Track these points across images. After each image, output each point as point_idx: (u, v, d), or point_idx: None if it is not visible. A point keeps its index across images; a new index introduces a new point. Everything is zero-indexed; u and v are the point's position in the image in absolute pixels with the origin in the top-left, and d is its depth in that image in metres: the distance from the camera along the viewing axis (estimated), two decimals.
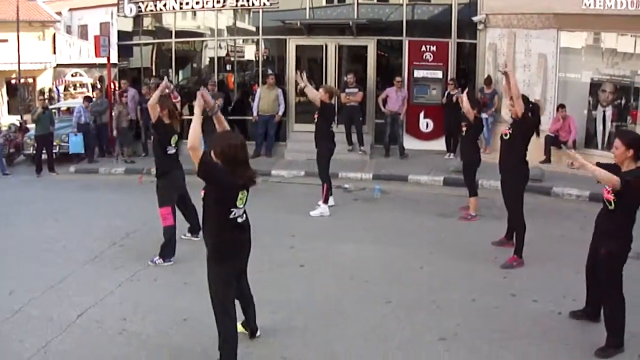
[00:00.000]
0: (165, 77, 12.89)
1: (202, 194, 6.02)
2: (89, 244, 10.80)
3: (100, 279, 9.13)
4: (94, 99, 21.87)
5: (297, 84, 17.89)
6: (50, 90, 37.23)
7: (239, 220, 6.10)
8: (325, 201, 12.69)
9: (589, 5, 15.75)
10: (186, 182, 10.28)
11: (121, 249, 10.64)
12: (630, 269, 6.87)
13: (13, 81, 35.76)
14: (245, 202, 6.12)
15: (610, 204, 6.65)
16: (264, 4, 20.12)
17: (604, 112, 16.59)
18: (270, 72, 20.18)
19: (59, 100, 33.50)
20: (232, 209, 5.99)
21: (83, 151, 19.83)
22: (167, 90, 10.22)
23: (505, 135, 9.71)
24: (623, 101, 16.40)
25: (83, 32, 47.51)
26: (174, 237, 9.82)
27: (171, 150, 9.98)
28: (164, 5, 21.29)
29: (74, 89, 39.68)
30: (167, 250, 9.79)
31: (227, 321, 6.16)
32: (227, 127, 6.70)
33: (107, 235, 11.28)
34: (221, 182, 5.91)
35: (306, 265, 9.57)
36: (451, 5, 19.07)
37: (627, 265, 6.79)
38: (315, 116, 12.83)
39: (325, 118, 12.78)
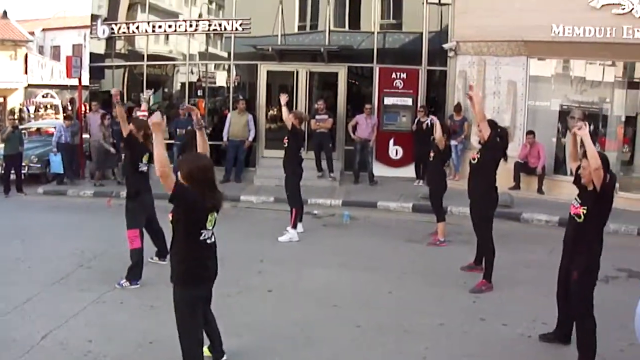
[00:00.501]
0: (115, 89, 12.78)
1: (170, 217, 5.96)
2: (55, 265, 10.64)
3: (65, 300, 8.99)
4: (64, 121, 21.73)
5: (267, 110, 18.09)
6: (20, 110, 36.92)
7: (208, 242, 6.04)
8: (294, 226, 12.64)
9: (558, 32, 16.04)
10: (155, 205, 10.21)
11: (88, 271, 10.50)
12: (600, 292, 6.91)
13: None
14: (214, 224, 6.08)
15: (580, 217, 6.72)
16: (236, 29, 20.22)
17: None
18: (241, 97, 20.16)
19: (29, 121, 33.23)
20: (202, 231, 5.94)
21: (62, 171, 19.46)
22: (117, 98, 10.31)
23: (474, 159, 9.78)
24: (591, 127, 16.57)
25: (55, 53, 47.31)
26: (141, 260, 9.71)
27: (142, 168, 9.93)
28: (137, 27, 21.31)
29: (45, 110, 39.41)
30: (134, 273, 9.66)
31: (192, 345, 6.08)
32: (207, 146, 6.66)
33: (74, 257, 11.14)
34: (192, 205, 5.85)
35: (274, 290, 9.50)
36: (422, 33, 19.28)
37: (597, 289, 6.85)
38: (285, 141, 12.80)
39: (295, 143, 12.76)
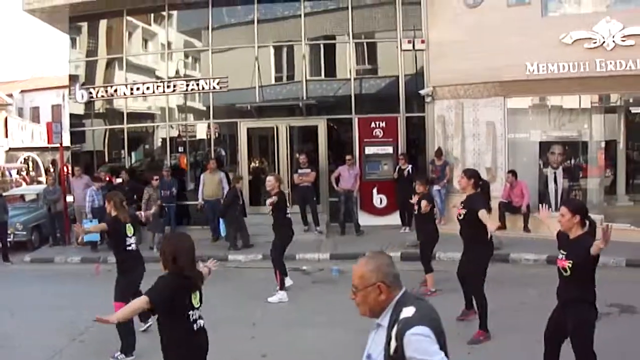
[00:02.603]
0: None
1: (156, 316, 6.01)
2: (47, 341, 10.57)
3: None
4: (46, 186, 21.72)
5: (249, 163, 18.18)
6: (2, 173, 36.92)
7: (199, 322, 6.03)
8: (282, 287, 12.62)
9: (533, 70, 16.36)
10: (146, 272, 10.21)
11: (81, 345, 10.45)
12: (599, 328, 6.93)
13: None
14: (201, 300, 6.10)
15: (566, 271, 6.74)
16: (214, 88, 20.37)
17: (555, 173, 16.99)
18: (212, 157, 20.35)
19: (16, 185, 33.14)
20: (189, 312, 5.95)
21: (99, 239, 18.71)
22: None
23: (460, 215, 9.84)
24: (573, 161, 16.82)
25: (35, 114, 47.44)
26: (130, 331, 9.64)
27: (131, 244, 9.96)
28: (115, 91, 21.50)
29: (27, 173, 39.41)
30: (127, 345, 9.60)
31: None
32: None
33: (66, 330, 11.07)
34: (172, 299, 5.86)
35: (268, 355, 9.46)
36: (398, 77, 19.50)
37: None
38: (270, 208, 12.81)
39: (280, 208, 12.79)
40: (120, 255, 10.01)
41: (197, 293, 6.05)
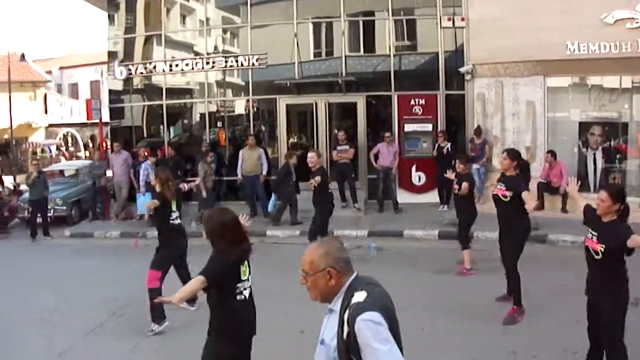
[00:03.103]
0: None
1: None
2: (88, 315, 10.73)
3: (101, 351, 9.11)
4: (92, 161, 21.95)
5: (288, 139, 18.18)
6: (42, 150, 37.28)
7: (244, 296, 6.08)
8: None
9: (573, 50, 16.09)
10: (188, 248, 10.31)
11: (121, 319, 10.60)
12: (628, 316, 6.83)
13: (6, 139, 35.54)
14: (250, 272, 6.14)
15: (597, 254, 6.66)
16: (253, 64, 20.34)
17: (594, 154, 16.78)
18: (251, 133, 20.37)
19: (56, 162, 33.46)
20: (238, 284, 6.01)
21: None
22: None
23: (505, 197, 9.71)
24: (612, 142, 16.60)
25: (74, 91, 47.76)
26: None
27: (174, 218, 10.14)
28: (154, 67, 21.57)
29: (66, 149, 39.74)
30: (156, 313, 9.74)
31: None
32: None
33: (106, 305, 11.21)
34: (227, 277, 5.95)
35: (306, 332, 9.45)
36: (438, 54, 19.37)
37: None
38: (313, 185, 12.86)
39: (323, 184, 12.87)
40: (163, 228, 10.19)
41: (246, 264, 6.13)
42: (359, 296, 3.76)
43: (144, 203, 18.21)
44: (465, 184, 11.85)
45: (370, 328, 3.63)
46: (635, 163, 16.81)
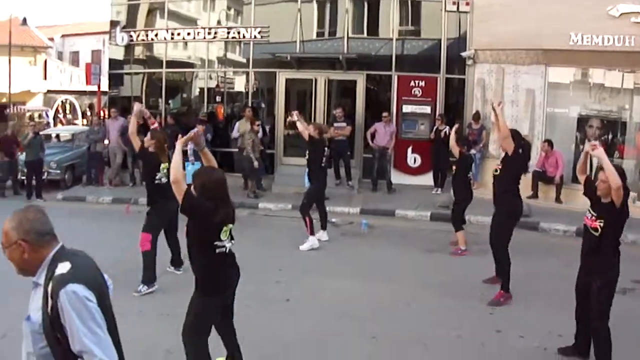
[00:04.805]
0: (137, 103, 12.81)
1: (186, 230, 6.05)
2: None
3: None
4: (91, 126, 21.86)
5: (286, 117, 18.03)
6: (40, 115, 37.11)
7: (228, 254, 6.13)
8: (312, 233, 12.66)
9: (577, 41, 15.96)
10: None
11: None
12: (616, 304, 6.88)
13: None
14: (231, 235, 6.13)
15: (597, 231, 6.68)
16: (255, 37, 20.30)
17: None
18: (249, 105, 20.24)
19: (48, 125, 33.32)
20: (216, 242, 6.00)
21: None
22: (144, 115, 10.38)
23: (496, 171, 9.77)
24: (610, 136, 16.52)
25: (74, 59, 47.56)
26: (152, 263, 9.84)
27: (162, 179, 10.02)
28: (156, 35, 21.48)
29: (64, 115, 39.61)
30: (147, 276, 9.80)
31: (196, 354, 6.17)
32: (214, 163, 6.72)
33: None
34: (203, 217, 5.94)
35: (292, 300, 9.55)
36: (440, 40, 19.29)
37: (614, 300, 6.85)
38: (306, 153, 12.89)
39: (315, 154, 12.82)
40: (150, 188, 10.16)
41: (229, 227, 6.09)
42: (63, 267, 3.53)
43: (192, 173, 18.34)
44: (453, 137, 12.08)
45: (73, 301, 3.42)
46: (631, 163, 16.77)
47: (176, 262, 10.77)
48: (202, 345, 6.19)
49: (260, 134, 18.82)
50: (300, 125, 12.88)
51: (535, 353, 7.68)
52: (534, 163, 16.34)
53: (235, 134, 19.24)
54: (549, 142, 16.65)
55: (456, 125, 13.18)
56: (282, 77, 20.40)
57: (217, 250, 6.02)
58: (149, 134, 10.40)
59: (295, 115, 13.03)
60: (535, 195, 16.49)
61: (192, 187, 6.01)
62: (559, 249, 12.68)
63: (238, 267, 6.34)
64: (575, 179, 16.55)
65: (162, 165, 10.00)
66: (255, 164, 17.81)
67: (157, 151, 10.03)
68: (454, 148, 11.98)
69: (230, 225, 6.11)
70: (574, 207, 15.09)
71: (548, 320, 8.61)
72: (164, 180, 9.99)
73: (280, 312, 9.15)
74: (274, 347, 7.79)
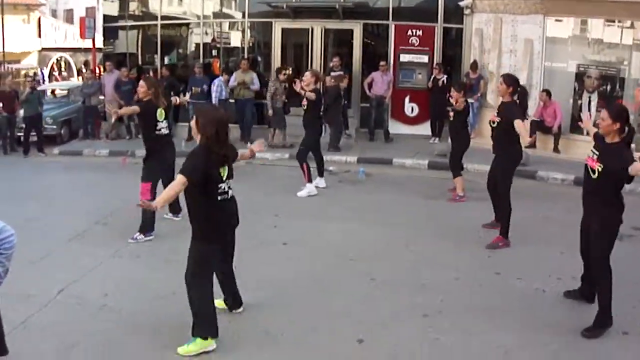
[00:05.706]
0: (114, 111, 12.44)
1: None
2: (71, 223, 10.64)
3: (81, 256, 8.99)
4: (84, 81, 21.76)
5: (282, 68, 18.00)
6: (35, 73, 36.93)
7: (227, 193, 6.11)
8: (309, 180, 12.64)
9: None
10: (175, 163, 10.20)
11: (104, 228, 10.55)
12: (614, 251, 6.75)
13: None
14: (230, 174, 6.10)
15: (594, 172, 6.59)
16: None
17: (589, 98, 16.60)
18: (245, 56, 20.11)
19: (44, 82, 33.19)
20: (218, 184, 5.98)
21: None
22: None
23: (493, 122, 9.67)
24: (608, 87, 16.40)
25: (69, 16, 47.13)
26: (152, 213, 9.72)
27: (162, 130, 9.94)
28: None
29: (59, 73, 39.44)
30: (146, 225, 9.77)
31: (201, 297, 6.14)
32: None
33: (90, 215, 11.12)
34: (205, 172, 5.87)
35: (289, 243, 9.56)
36: None
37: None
38: (304, 103, 12.72)
39: (315, 106, 12.70)
40: (150, 138, 10.01)
41: (226, 167, 6.06)
42: None
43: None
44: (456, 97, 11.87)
45: None
46: (630, 119, 16.64)
47: (174, 208, 10.71)
48: (206, 289, 6.14)
49: (256, 86, 18.73)
50: (298, 86, 12.71)
51: (535, 295, 7.67)
52: (532, 113, 16.31)
53: (232, 83, 19.03)
54: (547, 92, 16.54)
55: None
56: (278, 27, 20.18)
57: (218, 190, 5.98)
58: (141, 81, 10.30)
59: (297, 86, 12.73)
60: (533, 145, 16.37)
61: (192, 121, 6.00)
62: (558, 195, 12.69)
63: (237, 209, 6.37)
64: (573, 130, 16.59)
65: (159, 112, 9.89)
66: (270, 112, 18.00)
67: (153, 98, 9.90)
68: (460, 105, 11.83)
69: (227, 167, 6.07)
70: (572, 157, 15.05)
71: (547, 264, 8.63)
72: (164, 131, 9.93)
73: (276, 255, 9.15)
74: (271, 289, 7.77)
